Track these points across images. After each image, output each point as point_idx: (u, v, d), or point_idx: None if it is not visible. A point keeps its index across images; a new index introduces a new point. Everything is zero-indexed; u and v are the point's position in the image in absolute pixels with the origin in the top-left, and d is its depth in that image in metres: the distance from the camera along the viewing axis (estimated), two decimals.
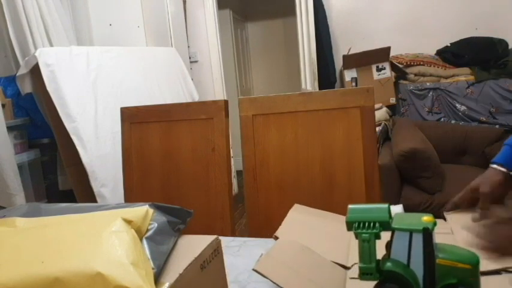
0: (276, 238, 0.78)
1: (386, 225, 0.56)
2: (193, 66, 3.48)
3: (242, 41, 4.77)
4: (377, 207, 0.56)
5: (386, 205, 0.57)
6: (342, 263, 0.72)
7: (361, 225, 0.56)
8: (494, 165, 0.78)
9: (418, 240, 0.54)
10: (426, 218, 0.55)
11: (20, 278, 0.42)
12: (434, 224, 0.54)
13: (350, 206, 0.58)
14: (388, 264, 0.55)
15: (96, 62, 2.08)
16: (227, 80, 3.73)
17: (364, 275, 0.55)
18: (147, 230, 0.51)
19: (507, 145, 0.80)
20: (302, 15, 3.16)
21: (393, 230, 0.55)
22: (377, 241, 0.56)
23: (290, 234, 0.80)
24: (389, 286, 0.55)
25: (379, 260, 0.56)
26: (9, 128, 2.09)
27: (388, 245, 0.57)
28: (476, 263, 0.53)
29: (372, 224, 0.55)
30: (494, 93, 2.75)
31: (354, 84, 3.09)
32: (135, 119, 1.37)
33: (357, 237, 0.56)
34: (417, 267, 0.54)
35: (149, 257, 0.47)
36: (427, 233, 0.53)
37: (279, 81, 4.91)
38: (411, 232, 0.54)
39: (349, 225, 0.57)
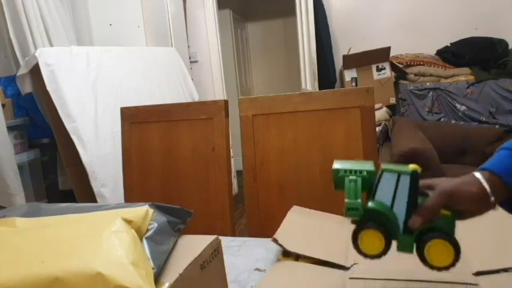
0: (275, 241, 0.78)
1: (372, 174, 0.56)
2: (193, 66, 3.48)
3: (242, 41, 4.77)
4: (363, 161, 0.58)
5: (371, 161, 0.59)
6: (341, 263, 0.72)
7: (348, 172, 0.57)
8: (478, 175, 0.59)
9: (405, 182, 0.55)
10: (413, 166, 0.56)
11: (20, 278, 0.42)
12: (422, 170, 0.56)
13: (336, 160, 0.59)
14: (372, 203, 0.56)
15: (96, 62, 2.08)
16: (227, 80, 3.73)
17: (349, 210, 0.55)
18: (147, 230, 0.51)
19: (505, 149, 0.62)
20: (302, 15, 3.16)
21: (382, 172, 0.56)
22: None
23: (289, 236, 0.80)
24: (370, 225, 0.55)
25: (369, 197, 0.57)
26: (9, 128, 2.09)
27: (370, 190, 0.57)
28: (454, 213, 0.55)
29: (358, 172, 0.56)
30: (494, 93, 2.75)
31: (354, 84, 3.09)
32: (135, 119, 1.37)
33: (342, 188, 0.57)
34: (400, 210, 0.55)
35: (149, 257, 0.47)
36: (415, 176, 0.55)
37: (279, 81, 4.91)
38: (399, 174, 0.55)
39: (336, 173, 0.57)
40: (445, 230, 0.55)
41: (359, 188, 0.55)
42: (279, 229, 0.82)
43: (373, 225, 0.55)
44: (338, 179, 0.57)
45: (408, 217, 0.55)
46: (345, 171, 0.57)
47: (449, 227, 0.55)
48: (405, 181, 0.54)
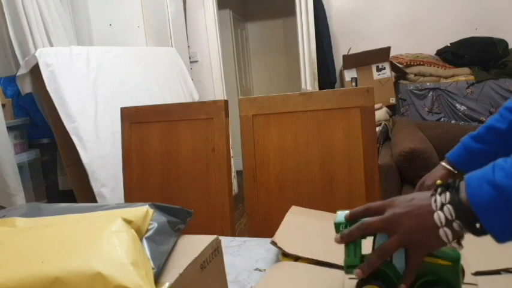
0: (274, 243, 0.77)
1: None
2: (193, 66, 3.48)
3: (242, 41, 4.77)
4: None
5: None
6: (340, 263, 0.72)
7: (348, 226, 0.58)
8: (443, 163, 0.85)
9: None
10: None
11: (20, 278, 0.42)
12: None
13: (338, 212, 0.60)
14: None
15: (96, 62, 2.08)
16: (227, 80, 3.73)
17: (349, 268, 0.56)
18: (147, 230, 0.51)
19: (461, 142, 0.86)
20: (302, 15, 3.16)
21: None
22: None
23: (288, 238, 0.80)
24: (371, 282, 0.56)
25: (364, 255, 0.57)
26: (9, 128, 2.09)
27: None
28: (457, 260, 0.54)
29: None
30: (494, 93, 2.76)
31: (354, 84, 3.09)
32: (135, 119, 1.37)
33: None
34: (399, 263, 0.55)
35: (149, 257, 0.47)
36: None
37: (279, 81, 4.91)
38: None
39: (337, 227, 0.59)
40: (450, 282, 0.53)
41: (358, 245, 0.57)
42: (277, 231, 0.82)
43: (375, 281, 0.56)
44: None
45: (407, 269, 0.55)
46: (345, 225, 0.58)
47: (455, 279, 0.54)
48: None
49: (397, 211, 0.53)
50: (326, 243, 0.76)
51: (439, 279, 0.53)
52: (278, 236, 0.79)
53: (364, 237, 0.56)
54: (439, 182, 0.51)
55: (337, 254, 0.74)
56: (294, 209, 0.96)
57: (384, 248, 0.53)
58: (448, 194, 0.49)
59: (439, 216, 0.49)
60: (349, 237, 0.56)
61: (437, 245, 0.51)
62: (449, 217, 0.48)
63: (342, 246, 0.58)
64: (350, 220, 0.57)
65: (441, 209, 0.49)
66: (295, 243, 0.78)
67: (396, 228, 0.52)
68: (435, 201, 0.50)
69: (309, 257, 0.74)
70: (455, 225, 0.48)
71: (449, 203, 0.48)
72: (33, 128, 2.41)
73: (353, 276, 0.56)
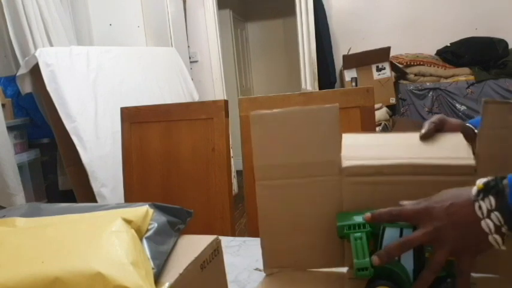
0: (260, 270, 0.73)
1: (375, 225, 0.57)
2: (193, 66, 3.48)
3: (242, 41, 4.77)
4: (365, 212, 0.58)
5: (373, 210, 0.58)
6: (339, 265, 0.70)
7: (352, 227, 0.57)
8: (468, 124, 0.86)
9: (408, 234, 0.55)
10: None
11: (20, 278, 0.42)
12: None
13: (339, 214, 0.59)
14: None
15: (96, 62, 2.08)
16: (227, 80, 3.73)
17: (359, 270, 0.55)
18: (147, 230, 0.51)
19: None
20: (302, 15, 3.17)
21: (384, 227, 0.56)
22: None
23: (277, 248, 0.73)
24: (381, 283, 0.56)
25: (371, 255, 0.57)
26: (9, 128, 2.09)
27: (377, 242, 0.58)
28: None
29: (362, 226, 0.57)
30: (494, 93, 2.76)
31: (354, 84, 3.10)
32: (135, 119, 1.37)
33: (348, 240, 0.57)
34: (407, 262, 0.55)
35: (149, 257, 0.47)
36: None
37: (279, 81, 4.91)
38: (401, 228, 0.55)
39: (341, 229, 0.58)
40: (455, 275, 0.54)
41: (365, 245, 0.56)
42: (263, 247, 0.71)
43: (384, 282, 0.56)
44: (343, 235, 0.58)
45: (416, 268, 0.55)
46: (349, 227, 0.57)
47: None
48: (408, 234, 0.55)
49: (438, 224, 0.51)
50: (319, 237, 0.70)
51: (447, 274, 0.54)
52: (267, 258, 0.71)
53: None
54: (480, 186, 0.50)
55: (335, 252, 0.73)
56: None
57: (435, 262, 0.52)
58: (492, 200, 0.49)
59: (487, 224, 0.49)
60: (388, 257, 0.54)
61: (486, 250, 0.51)
62: (497, 223, 0.48)
63: (338, 245, 0.57)
64: (372, 221, 0.56)
65: (488, 216, 0.49)
66: (281, 253, 0.71)
67: (442, 241, 0.51)
68: (480, 208, 0.49)
69: (306, 268, 0.71)
70: (503, 229, 0.49)
71: (497, 209, 0.48)
72: (33, 128, 2.40)
73: (352, 277, 0.56)
